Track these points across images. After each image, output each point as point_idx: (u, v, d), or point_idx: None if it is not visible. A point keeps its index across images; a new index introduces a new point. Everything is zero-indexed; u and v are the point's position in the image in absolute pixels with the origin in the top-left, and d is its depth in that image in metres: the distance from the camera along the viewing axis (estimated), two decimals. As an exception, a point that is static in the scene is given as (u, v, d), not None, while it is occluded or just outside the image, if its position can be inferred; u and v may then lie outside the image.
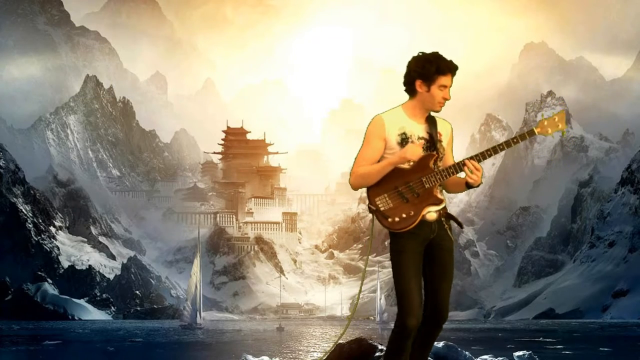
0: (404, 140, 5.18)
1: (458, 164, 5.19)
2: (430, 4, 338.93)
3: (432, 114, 5.30)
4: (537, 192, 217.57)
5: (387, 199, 5.17)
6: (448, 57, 5.23)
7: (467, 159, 5.18)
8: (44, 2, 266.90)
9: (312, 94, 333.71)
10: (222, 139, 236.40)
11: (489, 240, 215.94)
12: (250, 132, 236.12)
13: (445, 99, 5.20)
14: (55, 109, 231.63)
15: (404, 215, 5.15)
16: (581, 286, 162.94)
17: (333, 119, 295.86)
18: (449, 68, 5.18)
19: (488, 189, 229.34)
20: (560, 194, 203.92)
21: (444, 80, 5.15)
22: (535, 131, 5.26)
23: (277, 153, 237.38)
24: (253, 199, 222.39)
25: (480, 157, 5.20)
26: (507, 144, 5.19)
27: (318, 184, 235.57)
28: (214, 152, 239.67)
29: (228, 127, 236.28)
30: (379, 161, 5.23)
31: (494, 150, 5.23)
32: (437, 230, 5.23)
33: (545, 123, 5.26)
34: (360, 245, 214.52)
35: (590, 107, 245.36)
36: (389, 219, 5.16)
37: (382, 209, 5.18)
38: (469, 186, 5.24)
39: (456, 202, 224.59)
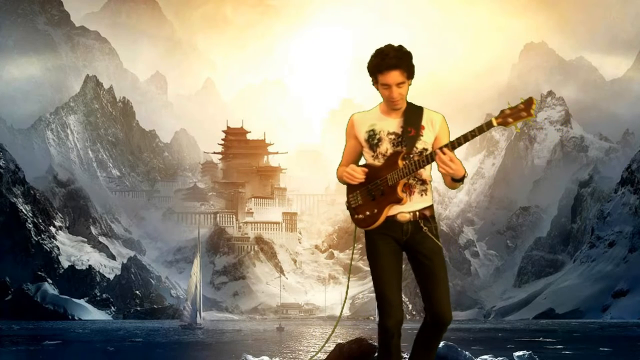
0: (370, 137, 5.11)
1: (427, 156, 4.93)
2: (430, 4, 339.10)
3: (420, 104, 5.14)
4: (537, 192, 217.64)
5: (358, 196, 5.15)
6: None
7: (439, 148, 4.90)
8: (44, 2, 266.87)
9: (312, 94, 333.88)
10: (222, 139, 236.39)
11: (489, 240, 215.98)
12: (250, 132, 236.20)
13: (392, 98, 4.97)
14: (55, 109, 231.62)
15: (367, 213, 5.09)
16: (581, 286, 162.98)
17: (333, 119, 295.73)
18: (385, 65, 4.90)
19: (488, 189, 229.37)
20: (560, 194, 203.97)
21: (382, 78, 4.95)
22: (494, 122, 4.81)
23: (277, 153, 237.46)
24: (253, 199, 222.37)
25: (450, 145, 4.89)
26: (465, 137, 4.80)
27: (318, 184, 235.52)
28: (214, 152, 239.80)
29: (228, 127, 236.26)
30: (366, 160, 5.24)
31: (463, 139, 4.82)
32: (411, 232, 5.07)
33: (507, 112, 4.79)
34: (360, 245, 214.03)
35: (590, 107, 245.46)
36: (356, 216, 5.15)
37: (353, 205, 5.18)
38: (454, 180, 4.96)
39: (456, 202, 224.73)
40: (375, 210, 5.06)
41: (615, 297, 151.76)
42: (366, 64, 5.07)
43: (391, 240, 5.10)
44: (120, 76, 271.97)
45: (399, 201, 5.03)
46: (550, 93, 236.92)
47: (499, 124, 4.80)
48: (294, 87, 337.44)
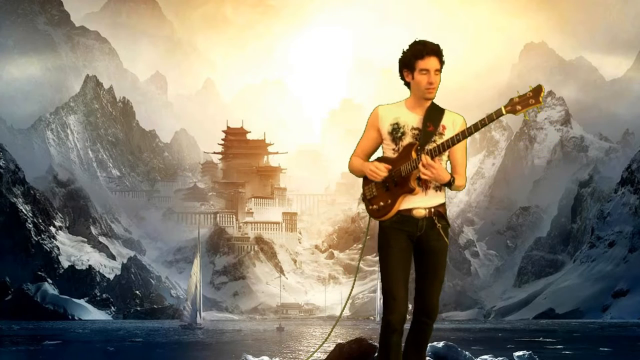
0: (394, 130, 5.16)
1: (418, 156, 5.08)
2: (430, 4, 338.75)
3: (443, 106, 5.24)
4: (537, 192, 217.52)
5: (373, 187, 5.20)
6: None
7: (425, 152, 5.04)
8: (44, 2, 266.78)
9: (312, 94, 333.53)
10: (222, 139, 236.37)
11: (489, 240, 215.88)
12: (250, 132, 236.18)
13: (431, 83, 5.05)
14: (55, 109, 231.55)
15: (381, 204, 5.15)
16: (581, 286, 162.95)
17: (333, 119, 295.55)
18: (427, 50, 5.04)
19: (488, 189, 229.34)
20: (560, 194, 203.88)
21: (422, 63, 5.04)
22: (504, 110, 4.91)
23: (277, 153, 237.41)
24: (253, 199, 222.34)
25: (435, 151, 5.04)
26: (475, 126, 4.95)
27: (318, 184, 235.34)
28: (214, 152, 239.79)
29: (228, 127, 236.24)
30: (385, 152, 5.26)
31: (452, 141, 5.00)
32: (426, 228, 5.15)
33: (516, 100, 4.92)
34: (360, 245, 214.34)
35: (590, 107, 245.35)
36: (370, 207, 5.20)
37: (368, 197, 5.23)
38: (446, 184, 5.10)
39: (456, 202, 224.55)
40: (389, 201, 5.13)
41: (615, 297, 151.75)
42: (400, 57, 5.15)
43: (404, 236, 5.16)
44: (120, 76, 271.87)
45: (411, 191, 5.09)
46: (550, 93, 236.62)
47: (507, 111, 4.90)
48: (294, 87, 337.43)
